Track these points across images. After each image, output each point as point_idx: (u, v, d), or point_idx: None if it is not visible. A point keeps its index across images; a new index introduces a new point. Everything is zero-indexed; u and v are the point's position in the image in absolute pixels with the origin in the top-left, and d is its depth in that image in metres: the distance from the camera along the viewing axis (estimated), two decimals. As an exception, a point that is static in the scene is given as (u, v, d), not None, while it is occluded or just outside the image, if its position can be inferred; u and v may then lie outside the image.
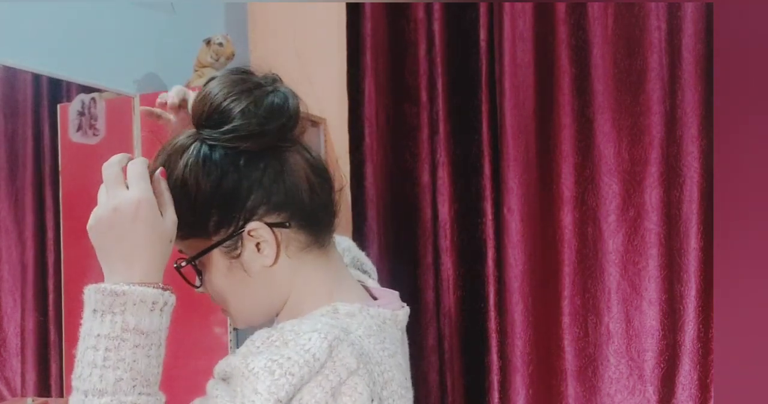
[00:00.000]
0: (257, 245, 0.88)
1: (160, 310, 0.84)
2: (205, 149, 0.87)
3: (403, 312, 0.96)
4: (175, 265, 0.91)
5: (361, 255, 1.17)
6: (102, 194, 0.86)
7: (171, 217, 0.86)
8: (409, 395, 0.90)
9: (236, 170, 0.87)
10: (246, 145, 0.86)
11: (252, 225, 0.87)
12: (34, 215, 2.30)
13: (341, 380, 0.78)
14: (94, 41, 2.18)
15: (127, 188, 0.85)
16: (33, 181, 2.31)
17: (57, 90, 2.29)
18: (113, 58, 2.24)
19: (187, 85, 2.32)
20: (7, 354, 2.25)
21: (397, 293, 1.01)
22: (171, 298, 0.85)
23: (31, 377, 2.25)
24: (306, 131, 0.94)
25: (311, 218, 0.90)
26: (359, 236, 2.50)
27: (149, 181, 0.85)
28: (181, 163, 0.87)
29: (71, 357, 0.83)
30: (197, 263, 0.91)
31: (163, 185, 0.86)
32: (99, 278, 0.86)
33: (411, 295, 2.50)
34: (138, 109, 2.28)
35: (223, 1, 2.75)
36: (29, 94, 2.30)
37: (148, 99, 2.27)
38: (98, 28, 2.20)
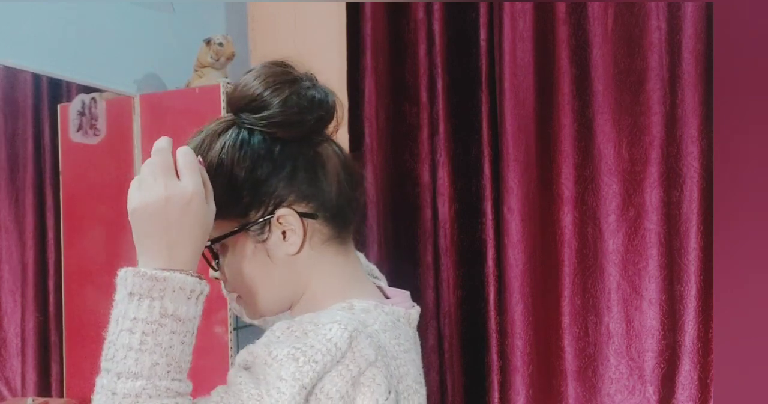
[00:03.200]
0: (283, 233, 0.90)
1: (196, 298, 0.84)
2: (244, 133, 0.90)
3: (415, 310, 0.98)
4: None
5: (370, 264, 1.19)
6: (149, 177, 0.83)
7: (212, 208, 0.86)
8: (423, 391, 0.91)
9: (271, 156, 0.89)
10: (283, 133, 0.89)
11: (282, 212, 0.89)
12: (34, 215, 2.30)
13: (360, 370, 0.79)
14: (94, 41, 2.18)
15: (178, 177, 0.84)
16: (33, 181, 2.31)
17: (57, 90, 2.29)
18: (113, 58, 2.24)
19: (187, 85, 2.34)
20: (7, 354, 2.25)
21: (407, 292, 1.03)
22: (206, 288, 0.86)
23: (31, 377, 2.25)
24: (338, 129, 0.97)
25: (337, 212, 0.92)
26: (359, 236, 2.50)
27: (199, 173, 0.85)
28: (218, 145, 0.89)
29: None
30: (216, 246, 0.92)
31: (206, 176, 0.87)
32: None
33: (411, 295, 2.50)
34: (138, 108, 2.28)
35: (223, 1, 2.75)
36: (29, 94, 2.30)
37: (148, 99, 2.29)
38: (98, 28, 2.20)
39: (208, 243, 0.90)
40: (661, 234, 2.32)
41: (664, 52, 2.31)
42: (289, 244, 0.90)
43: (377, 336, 0.84)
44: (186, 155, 0.85)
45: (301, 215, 0.89)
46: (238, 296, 0.96)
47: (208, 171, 0.88)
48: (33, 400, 2.08)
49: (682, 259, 2.30)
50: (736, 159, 1.10)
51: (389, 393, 0.81)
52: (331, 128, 0.94)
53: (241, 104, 0.91)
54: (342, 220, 0.93)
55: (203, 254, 0.91)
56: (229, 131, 0.90)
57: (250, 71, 0.93)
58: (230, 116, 0.92)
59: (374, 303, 0.90)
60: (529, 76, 2.42)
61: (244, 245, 0.91)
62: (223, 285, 0.97)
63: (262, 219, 0.89)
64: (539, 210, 2.43)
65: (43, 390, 2.25)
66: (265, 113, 0.89)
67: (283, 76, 0.91)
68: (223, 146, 0.89)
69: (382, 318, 0.88)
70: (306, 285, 0.93)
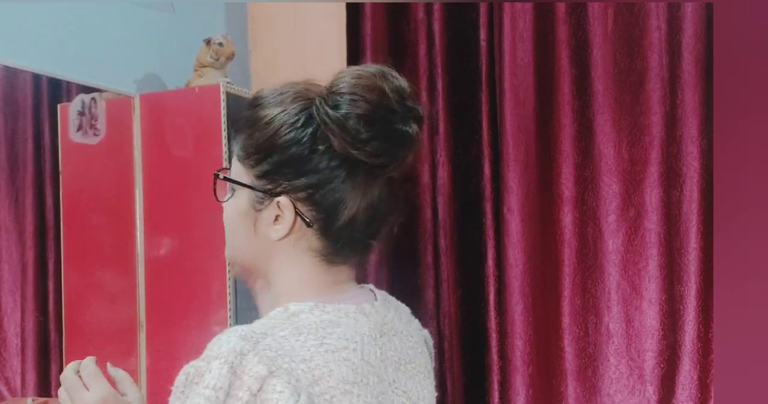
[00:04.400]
0: (276, 217, 0.91)
1: None
2: (306, 115, 0.89)
3: (370, 304, 0.95)
4: (216, 172, 0.96)
5: None
6: (66, 401, 1.02)
7: (134, 395, 1.02)
8: (361, 391, 0.87)
9: (312, 149, 0.89)
10: (333, 138, 0.87)
11: (284, 200, 0.90)
12: (34, 215, 2.30)
13: (252, 391, 0.80)
14: (94, 41, 2.18)
15: (88, 389, 0.99)
16: (33, 181, 2.31)
17: (57, 90, 2.29)
18: (113, 58, 2.24)
19: (187, 85, 2.34)
20: (7, 354, 2.25)
21: (369, 287, 1.01)
22: None
23: (31, 377, 2.25)
24: (398, 176, 0.95)
25: (332, 239, 0.92)
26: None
27: (103, 377, 0.99)
28: (285, 106, 0.91)
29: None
30: (220, 181, 0.96)
31: (121, 373, 1.04)
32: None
33: (411, 295, 2.50)
34: (138, 108, 2.28)
35: (223, 1, 2.75)
36: (29, 94, 2.30)
37: (148, 99, 2.29)
38: (98, 28, 2.20)
39: (222, 177, 0.95)
40: (661, 234, 2.32)
41: (664, 52, 2.32)
42: (274, 229, 0.91)
43: (279, 344, 0.83)
44: (86, 368, 1.02)
45: (298, 213, 0.90)
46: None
47: (259, 119, 0.91)
48: (33, 400, 2.08)
49: (682, 259, 2.30)
50: (736, 159, 1.09)
51: (298, 396, 0.80)
52: (390, 169, 0.91)
53: (327, 90, 0.90)
54: (335, 245, 0.92)
55: (215, 181, 0.96)
56: (301, 103, 0.90)
57: (360, 68, 0.90)
58: (320, 89, 0.91)
59: (312, 304, 0.89)
60: (529, 76, 2.42)
61: (243, 200, 0.93)
62: None
63: (266, 192, 0.91)
64: (539, 210, 2.43)
65: (43, 390, 2.25)
66: (335, 113, 0.87)
67: (382, 100, 0.87)
68: (285, 110, 0.90)
69: (309, 319, 0.87)
70: (275, 272, 0.93)
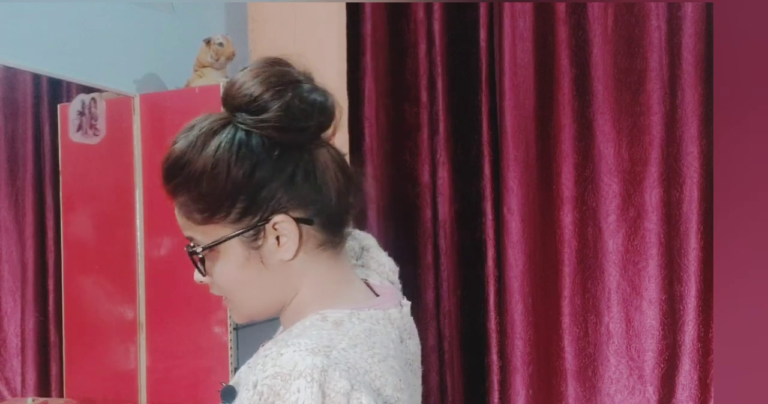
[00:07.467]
0: (278, 238, 0.87)
1: None
2: (241, 134, 0.86)
3: (397, 310, 0.95)
4: (189, 250, 0.90)
5: (380, 255, 1.12)
6: None
7: None
8: (405, 396, 0.88)
9: (270, 161, 0.86)
10: (282, 137, 0.86)
11: (278, 218, 0.86)
12: (34, 215, 2.30)
13: None
14: (94, 41, 2.18)
15: None
16: (33, 181, 2.31)
17: (57, 90, 2.29)
18: (113, 58, 2.24)
19: (187, 85, 2.34)
20: (7, 354, 2.25)
21: (395, 289, 1.01)
22: None
23: (31, 377, 2.25)
24: (337, 131, 0.93)
25: (333, 218, 0.90)
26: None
27: None
28: (213, 144, 0.85)
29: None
30: (206, 251, 0.89)
31: None
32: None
33: (411, 295, 2.49)
34: (138, 108, 2.28)
35: (223, 1, 2.75)
36: (29, 94, 2.30)
37: (148, 99, 2.29)
38: (98, 28, 2.20)
39: (198, 249, 0.89)
40: (661, 234, 2.32)
41: (664, 52, 2.32)
42: (284, 250, 0.88)
43: (344, 357, 0.82)
44: None
45: (298, 220, 0.87)
46: (226, 298, 0.94)
47: (199, 173, 0.85)
48: (33, 400, 2.08)
49: (682, 259, 2.30)
50: (736, 159, 1.09)
51: None
52: (330, 131, 0.91)
53: (238, 104, 0.86)
54: (338, 225, 0.91)
55: (191, 258, 0.89)
56: (225, 131, 0.86)
57: (247, 69, 0.88)
58: (224, 113, 0.88)
59: (348, 312, 0.88)
60: (529, 77, 2.42)
61: (238, 250, 0.88)
62: (211, 288, 0.94)
63: (257, 225, 0.86)
64: (539, 210, 2.43)
65: (43, 390, 2.25)
66: (264, 116, 0.85)
67: (284, 77, 0.87)
68: (219, 147, 0.85)
69: (354, 329, 0.86)
70: (296, 289, 0.91)
